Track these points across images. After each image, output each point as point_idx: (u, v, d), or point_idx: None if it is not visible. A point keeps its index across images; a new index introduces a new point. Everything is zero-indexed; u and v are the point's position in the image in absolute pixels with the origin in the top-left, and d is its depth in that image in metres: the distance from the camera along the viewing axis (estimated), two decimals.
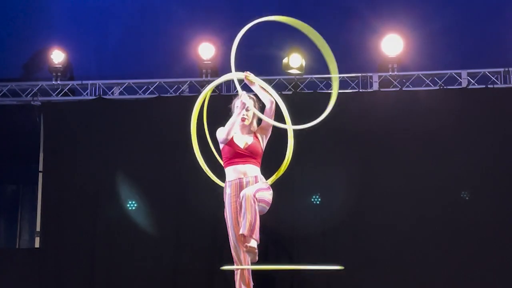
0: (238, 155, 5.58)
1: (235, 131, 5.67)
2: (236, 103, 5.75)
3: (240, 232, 5.24)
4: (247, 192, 5.30)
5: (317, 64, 9.58)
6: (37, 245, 9.46)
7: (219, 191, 9.30)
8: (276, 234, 8.81)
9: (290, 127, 5.52)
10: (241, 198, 5.32)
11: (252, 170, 5.57)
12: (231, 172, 5.60)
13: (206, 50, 9.59)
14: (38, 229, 9.47)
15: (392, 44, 9.40)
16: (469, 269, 8.63)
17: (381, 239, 8.83)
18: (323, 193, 9.08)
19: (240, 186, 5.52)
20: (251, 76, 5.71)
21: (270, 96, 5.62)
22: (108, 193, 9.29)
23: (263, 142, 5.73)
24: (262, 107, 5.71)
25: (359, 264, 8.69)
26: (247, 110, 5.68)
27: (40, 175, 9.58)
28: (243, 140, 5.65)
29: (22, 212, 10.73)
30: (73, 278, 9.12)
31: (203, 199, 9.10)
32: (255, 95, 5.74)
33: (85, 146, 9.46)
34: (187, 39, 9.66)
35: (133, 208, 9.28)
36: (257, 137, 5.70)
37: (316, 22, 9.09)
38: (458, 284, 8.61)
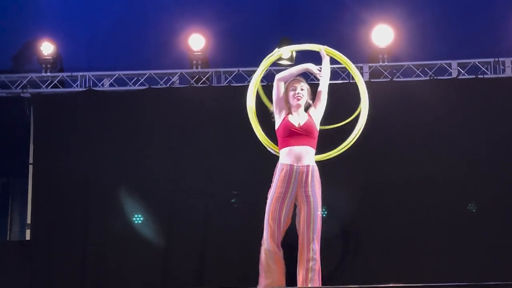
0: (293, 134, 5.65)
1: (289, 106, 5.82)
2: (291, 85, 5.86)
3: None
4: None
5: (308, 54, 9.59)
6: (27, 237, 9.44)
7: (213, 177, 9.31)
8: None
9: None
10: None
11: (307, 154, 5.62)
12: (285, 154, 5.66)
13: (196, 41, 9.56)
14: (28, 221, 9.45)
15: (383, 35, 9.40)
16: (465, 260, 8.68)
17: (373, 228, 8.87)
18: None
19: (290, 174, 5.58)
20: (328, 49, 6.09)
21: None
22: (99, 185, 9.28)
23: (317, 122, 5.84)
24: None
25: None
26: (302, 89, 5.84)
27: (31, 167, 9.54)
28: (297, 120, 5.73)
29: (13, 204, 10.69)
30: (64, 270, 9.09)
31: (196, 187, 9.14)
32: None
33: (75, 138, 9.42)
34: (177, 30, 9.63)
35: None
36: (310, 116, 5.79)
37: (307, 14, 9.13)
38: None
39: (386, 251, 8.81)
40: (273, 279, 5.60)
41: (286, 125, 5.69)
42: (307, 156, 5.63)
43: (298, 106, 5.79)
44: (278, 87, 5.86)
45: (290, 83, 5.88)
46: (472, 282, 8.34)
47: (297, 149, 5.62)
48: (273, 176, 5.71)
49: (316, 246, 5.57)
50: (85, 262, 9.11)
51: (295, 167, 5.59)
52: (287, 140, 5.66)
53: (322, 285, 5.66)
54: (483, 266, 8.58)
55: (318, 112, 5.87)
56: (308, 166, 5.62)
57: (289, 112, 5.81)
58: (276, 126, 5.79)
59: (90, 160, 9.34)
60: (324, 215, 9.03)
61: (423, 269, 8.65)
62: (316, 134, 5.78)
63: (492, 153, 8.96)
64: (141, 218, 9.19)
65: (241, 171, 9.03)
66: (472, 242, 8.73)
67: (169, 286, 8.91)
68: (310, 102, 5.91)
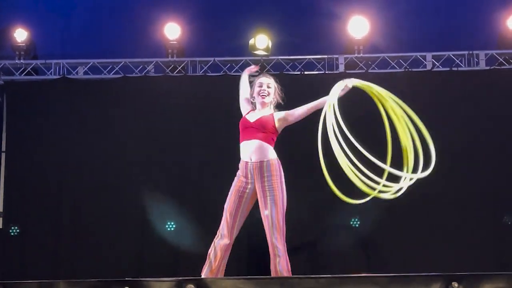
0: (246, 129, 5.52)
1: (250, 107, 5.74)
2: (258, 82, 5.75)
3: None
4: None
5: (284, 45, 9.59)
6: (0, 225, 9.38)
7: (185, 165, 9.28)
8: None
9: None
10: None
11: (259, 150, 5.45)
12: (241, 149, 5.56)
13: (172, 30, 9.52)
14: (1, 209, 9.39)
15: (358, 26, 9.43)
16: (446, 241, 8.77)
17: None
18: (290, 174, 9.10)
19: (245, 171, 5.47)
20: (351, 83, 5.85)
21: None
22: (72, 173, 9.23)
23: (278, 124, 5.61)
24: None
25: None
26: (268, 87, 5.69)
27: (3, 155, 9.49)
28: (256, 116, 5.61)
29: None
30: (37, 258, 9.05)
31: (170, 174, 9.11)
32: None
33: (49, 126, 9.37)
34: (153, 19, 9.58)
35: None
36: (273, 116, 5.61)
37: (283, 4, 9.08)
38: None
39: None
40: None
41: (243, 120, 5.62)
42: (259, 151, 5.45)
43: (263, 104, 5.66)
44: (244, 81, 5.88)
45: (257, 78, 5.79)
46: None
47: (249, 143, 5.47)
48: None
49: (277, 240, 5.38)
50: (58, 250, 9.07)
51: (249, 163, 5.45)
52: (241, 135, 5.56)
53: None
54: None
55: (286, 119, 5.66)
56: (262, 162, 5.43)
57: (253, 109, 5.74)
58: None
59: (63, 148, 9.28)
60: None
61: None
62: (273, 130, 5.57)
63: (466, 145, 9.03)
64: (118, 203, 9.15)
65: (215, 160, 9.02)
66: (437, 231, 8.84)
67: (144, 273, 8.88)
68: (280, 100, 5.79)
